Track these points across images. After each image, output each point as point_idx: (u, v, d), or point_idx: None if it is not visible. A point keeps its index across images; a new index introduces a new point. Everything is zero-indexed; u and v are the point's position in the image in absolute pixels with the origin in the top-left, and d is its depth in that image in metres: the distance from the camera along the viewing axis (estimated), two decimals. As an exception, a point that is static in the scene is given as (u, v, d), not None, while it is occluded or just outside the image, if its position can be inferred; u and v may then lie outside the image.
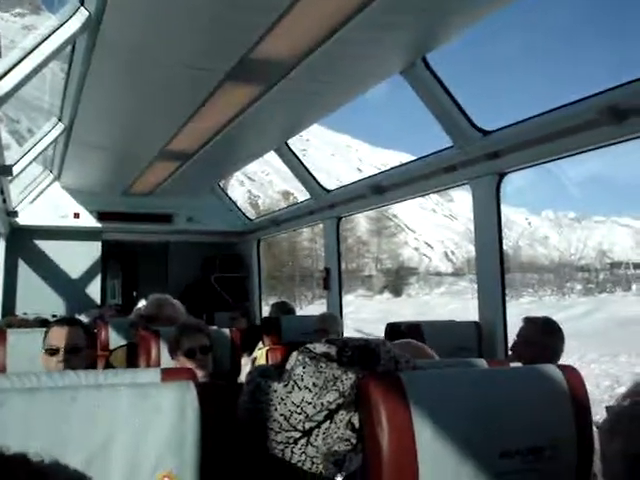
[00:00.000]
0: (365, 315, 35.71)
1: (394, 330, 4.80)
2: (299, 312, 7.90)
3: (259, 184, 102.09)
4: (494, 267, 4.92)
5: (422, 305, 41.12)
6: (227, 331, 4.42)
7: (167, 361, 3.81)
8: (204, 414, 1.46)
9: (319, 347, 1.88)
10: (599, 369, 15.74)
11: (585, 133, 4.06)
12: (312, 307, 39.87)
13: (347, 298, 51.45)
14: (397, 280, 54.19)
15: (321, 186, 7.48)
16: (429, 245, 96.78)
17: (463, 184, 5.24)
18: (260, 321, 8.63)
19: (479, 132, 4.93)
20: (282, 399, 1.83)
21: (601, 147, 4.14)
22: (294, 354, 1.91)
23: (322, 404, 1.80)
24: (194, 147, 6.97)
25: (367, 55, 4.61)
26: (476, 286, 5.19)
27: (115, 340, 5.15)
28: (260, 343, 5.99)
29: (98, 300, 9.82)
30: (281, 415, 1.83)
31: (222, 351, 4.10)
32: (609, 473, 1.17)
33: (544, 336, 4.07)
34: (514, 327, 4.37)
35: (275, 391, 1.85)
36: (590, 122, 3.96)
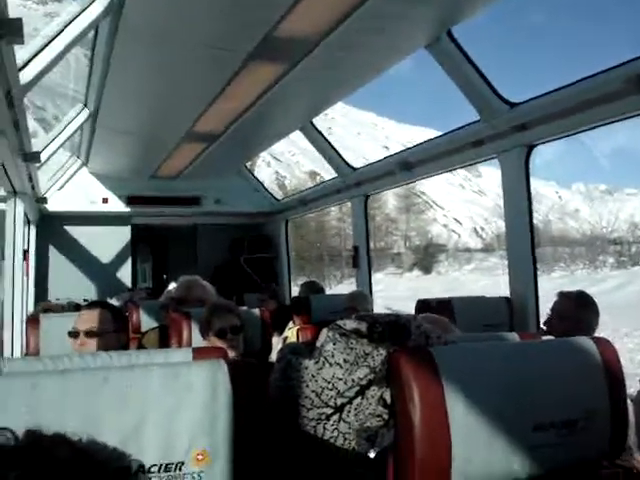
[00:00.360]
0: (395, 293, 35.73)
1: (425, 306, 4.79)
2: (328, 291, 7.91)
3: (286, 165, 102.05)
4: (524, 241, 4.86)
5: (452, 282, 40.99)
6: (257, 311, 4.44)
7: (198, 342, 3.84)
8: (236, 392, 1.46)
9: (349, 323, 1.87)
10: (632, 343, 15.60)
11: (613, 103, 3.98)
12: (341, 286, 39.91)
13: (377, 276, 51.39)
14: (426, 257, 53.97)
15: (347, 164, 7.46)
16: (458, 221, 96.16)
17: (491, 158, 5.18)
18: (290, 301, 8.64)
19: (506, 104, 4.86)
20: (313, 376, 1.84)
21: (629, 117, 4.07)
22: (324, 331, 1.91)
23: (353, 380, 1.80)
24: (220, 128, 6.96)
25: (391, 30, 4.55)
26: (506, 262, 5.14)
27: (147, 322, 5.19)
28: (290, 323, 6.01)
29: (129, 284, 9.92)
30: (313, 392, 1.83)
31: (253, 331, 4.13)
32: None
33: (578, 310, 4.03)
34: (546, 302, 4.34)
35: (306, 368, 1.85)
36: (617, 92, 3.89)
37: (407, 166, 6.19)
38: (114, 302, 7.33)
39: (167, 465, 1.41)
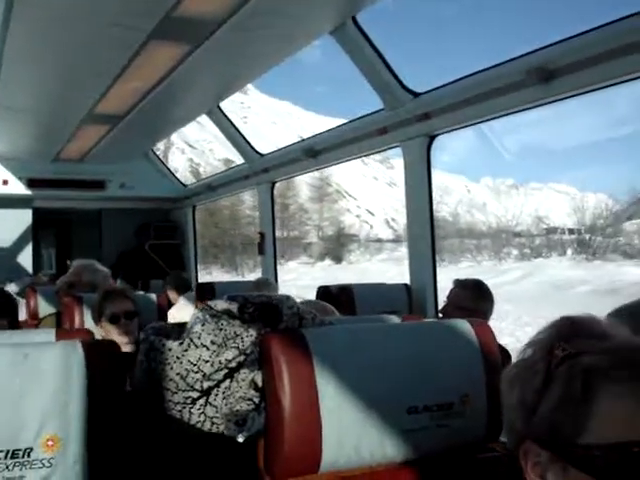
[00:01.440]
0: (306, 282, 35.82)
1: (325, 293, 4.79)
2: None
3: (200, 152, 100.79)
4: (425, 229, 4.91)
5: (363, 271, 41.38)
6: (154, 296, 4.33)
7: (92, 328, 3.72)
8: (96, 375, 1.39)
9: (220, 304, 1.81)
10: (533, 332, 16.06)
11: (514, 94, 4.04)
12: (254, 275, 39.74)
13: (289, 265, 51.51)
14: (338, 247, 54.39)
15: (255, 150, 7.38)
16: (370, 212, 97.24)
17: (395, 146, 5.20)
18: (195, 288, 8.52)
19: (410, 94, 4.88)
20: (178, 358, 1.77)
21: (529, 108, 4.15)
22: (195, 312, 1.85)
23: (220, 362, 1.75)
24: (123, 110, 6.76)
25: (296, 14, 4.50)
26: None
27: (44, 308, 5.05)
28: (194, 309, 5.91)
29: (30, 269, 9.56)
30: (177, 374, 1.76)
31: (149, 317, 4.03)
32: (507, 424, 1.14)
33: (474, 298, 4.07)
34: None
35: (170, 349, 1.79)
36: (518, 82, 3.95)
37: (313, 153, 6.16)
38: (13, 287, 7.06)
39: (14, 452, 1.32)
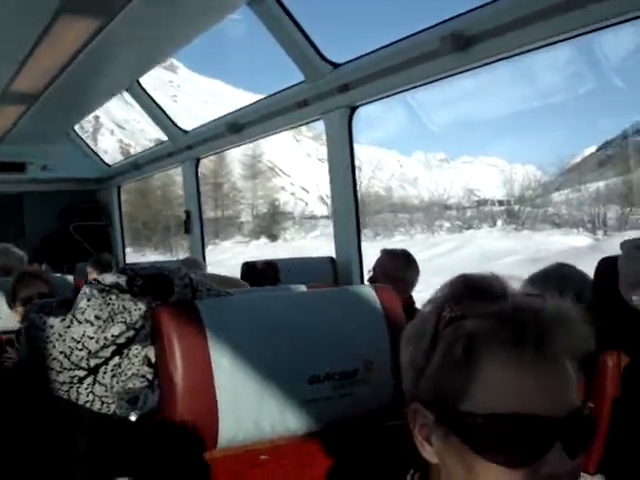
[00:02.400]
0: (240, 261, 35.62)
1: (250, 269, 4.74)
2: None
3: (130, 132, 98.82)
4: (348, 202, 4.88)
5: (298, 248, 41.35)
6: (71, 278, 4.21)
7: (6, 313, 3.62)
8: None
9: (108, 278, 1.73)
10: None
11: (432, 62, 4.02)
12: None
13: (224, 245, 51.17)
14: (273, 225, 54.27)
15: (177, 127, 7.21)
16: (305, 189, 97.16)
17: (316, 119, 5.15)
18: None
19: (329, 65, 4.82)
20: (60, 335, 1.69)
21: (448, 76, 4.14)
22: (83, 287, 1.77)
23: (106, 338, 1.67)
24: (39, 88, 6.51)
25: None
26: None
27: (-39, 294, 4.85)
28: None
29: (-54, 253, 9.19)
30: (61, 353, 1.68)
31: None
32: (403, 385, 1.12)
33: (401, 267, 4.07)
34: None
35: (52, 327, 1.70)
36: (434, 51, 3.92)
37: (236, 128, 6.05)
38: None
39: None
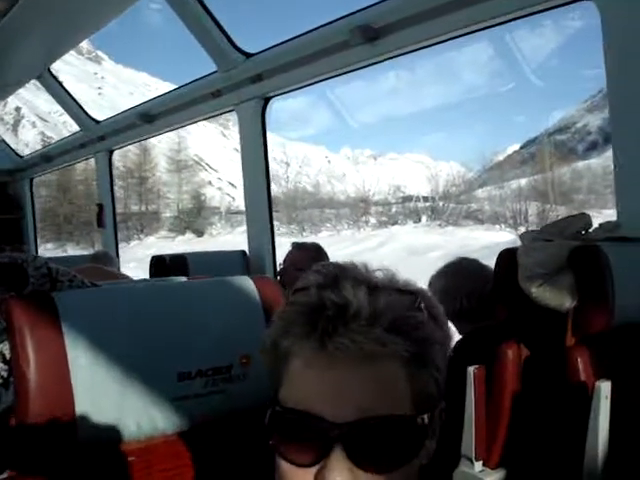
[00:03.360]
0: (166, 256, 35.15)
1: (159, 262, 4.61)
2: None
3: (53, 125, 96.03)
4: (261, 194, 4.81)
5: (224, 244, 41.08)
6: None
7: None
8: None
9: (-42, 269, 1.61)
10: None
11: (343, 53, 3.99)
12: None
13: (149, 240, 50.31)
14: (199, 220, 53.60)
15: (90, 117, 6.97)
16: (232, 184, 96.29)
17: (230, 110, 5.05)
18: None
19: (242, 54, 4.73)
20: None
21: (358, 68, 4.12)
22: None
23: None
24: (-57, 77, 6.23)
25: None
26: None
27: None
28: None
29: None
30: None
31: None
32: None
33: (312, 260, 4.01)
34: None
35: None
36: (346, 42, 3.89)
37: (149, 118, 5.88)
38: None
39: None
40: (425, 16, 3.49)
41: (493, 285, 2.64)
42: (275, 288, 1.55)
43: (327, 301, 0.91)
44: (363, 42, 3.77)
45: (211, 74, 5.02)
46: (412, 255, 26.83)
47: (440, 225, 37.01)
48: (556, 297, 2.27)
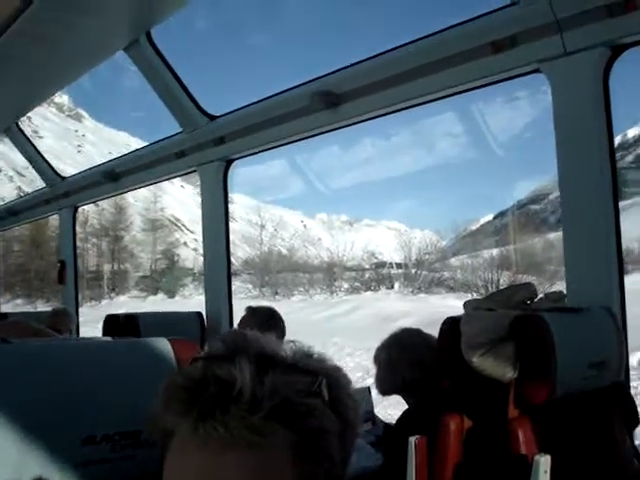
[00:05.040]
0: (136, 316, 34.71)
1: (112, 321, 4.54)
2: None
3: (29, 180, 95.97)
4: (221, 256, 4.79)
5: (195, 306, 40.72)
6: None
7: None
8: None
9: None
10: (353, 362, 16.30)
11: (304, 118, 4.04)
12: (81, 309, 37.94)
13: (120, 299, 49.74)
14: (172, 280, 53.23)
15: (56, 172, 6.94)
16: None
17: (193, 171, 5.06)
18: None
19: (206, 116, 4.76)
20: None
21: (320, 133, 4.16)
22: None
23: None
24: None
25: (86, 26, 4.28)
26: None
27: None
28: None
29: None
30: None
31: None
32: None
33: (264, 326, 3.95)
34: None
35: None
36: (307, 107, 3.94)
37: (114, 176, 5.87)
38: None
39: None
40: (385, 84, 3.55)
41: (437, 354, 2.61)
42: (193, 351, 1.50)
43: (211, 378, 0.85)
44: (324, 108, 3.81)
45: (176, 135, 5.04)
46: (384, 322, 26.70)
47: (412, 292, 36.99)
48: (497, 367, 2.24)
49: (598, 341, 2.47)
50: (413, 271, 41.05)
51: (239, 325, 4.12)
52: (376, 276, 42.63)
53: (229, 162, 4.76)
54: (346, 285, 41.98)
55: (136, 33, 4.52)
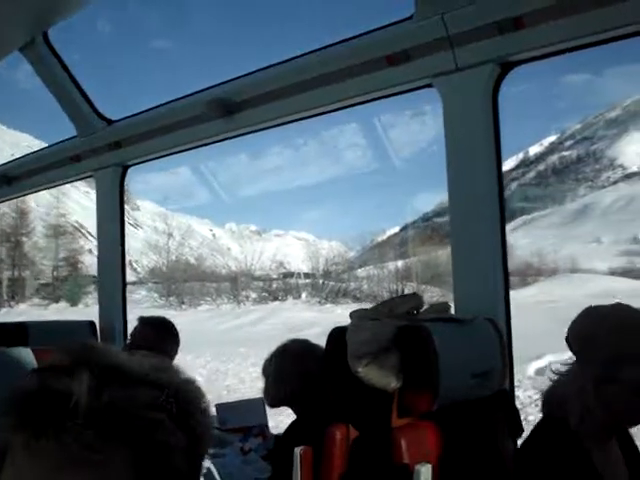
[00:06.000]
0: (35, 325, 33.55)
1: (1, 330, 4.35)
2: None
3: None
4: (116, 263, 4.68)
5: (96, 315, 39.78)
6: None
7: None
8: None
9: None
10: (256, 372, 16.26)
11: (199, 126, 4.00)
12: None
13: (20, 308, 48.00)
14: (75, 288, 51.70)
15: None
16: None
17: (89, 176, 4.93)
18: None
19: (103, 121, 4.64)
20: None
21: (217, 141, 4.13)
22: None
23: None
24: None
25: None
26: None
27: None
28: None
29: None
30: None
31: None
32: None
33: (158, 337, 3.86)
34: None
35: None
36: (203, 114, 3.90)
37: (7, 180, 5.64)
38: None
39: None
40: (281, 93, 3.55)
41: (324, 365, 2.61)
42: (58, 361, 1.45)
43: (47, 391, 0.81)
44: (219, 116, 3.78)
45: (71, 138, 4.90)
46: (290, 331, 26.75)
47: (320, 302, 37.21)
48: (381, 377, 2.26)
49: (481, 351, 2.52)
50: (320, 281, 41.33)
51: (131, 336, 4.02)
52: (284, 286, 42.73)
53: (125, 168, 4.66)
54: (254, 295, 41.84)
55: (32, 33, 4.37)
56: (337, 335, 2.45)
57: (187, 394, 0.91)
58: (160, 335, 3.89)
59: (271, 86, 3.56)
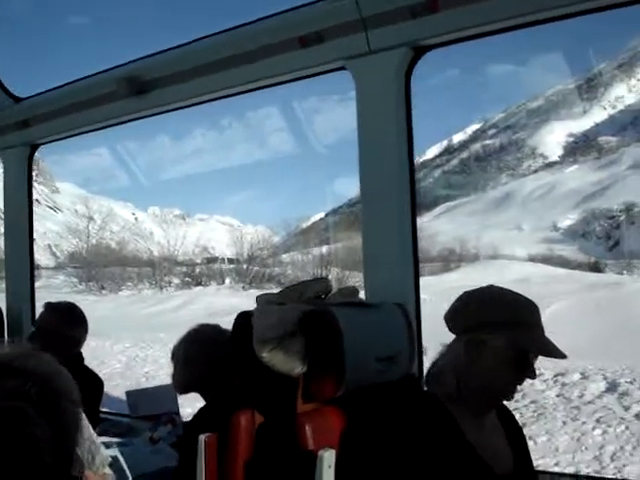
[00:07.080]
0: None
1: None
2: None
3: None
4: (23, 247, 4.53)
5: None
6: None
7: None
8: None
9: None
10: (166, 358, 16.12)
11: (111, 104, 3.88)
12: None
13: None
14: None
15: None
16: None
17: (-5, 157, 4.74)
18: None
19: (11, 98, 4.46)
20: None
21: (126, 121, 4.02)
22: None
23: None
24: None
25: None
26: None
27: None
28: None
29: None
30: None
31: None
32: None
33: (65, 324, 3.73)
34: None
35: None
36: (112, 93, 3.79)
37: None
38: None
39: None
40: (194, 72, 3.48)
41: (229, 349, 2.57)
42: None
43: None
44: (130, 94, 3.68)
45: (-24, 115, 4.70)
46: (211, 317, 26.61)
47: (243, 287, 36.96)
48: (286, 362, 2.24)
49: (388, 336, 2.53)
50: (245, 266, 41.09)
51: (38, 322, 3.87)
52: (207, 271, 42.33)
53: (34, 147, 4.50)
54: (177, 280, 41.28)
55: None
56: (243, 320, 2.42)
57: (54, 383, 0.86)
58: (67, 321, 3.75)
59: (183, 65, 3.49)
